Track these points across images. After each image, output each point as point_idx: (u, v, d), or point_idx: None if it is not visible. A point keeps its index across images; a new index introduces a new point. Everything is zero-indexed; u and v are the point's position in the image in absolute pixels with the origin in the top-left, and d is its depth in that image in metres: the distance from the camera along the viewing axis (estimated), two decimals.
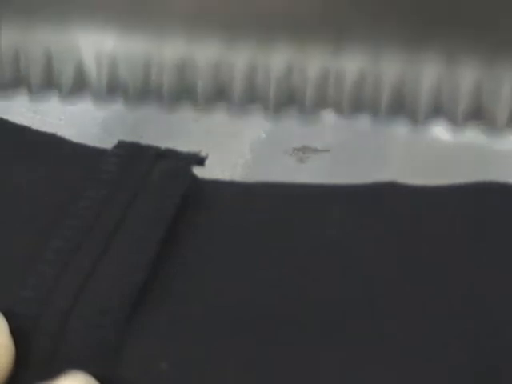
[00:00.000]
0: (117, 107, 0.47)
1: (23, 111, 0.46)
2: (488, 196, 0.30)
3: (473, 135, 0.28)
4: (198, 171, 0.43)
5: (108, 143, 0.47)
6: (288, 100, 0.29)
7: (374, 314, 0.27)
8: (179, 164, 0.32)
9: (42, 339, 0.26)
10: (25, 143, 0.34)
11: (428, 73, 0.28)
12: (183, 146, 0.46)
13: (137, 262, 0.28)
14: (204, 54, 0.29)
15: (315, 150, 0.44)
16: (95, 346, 0.26)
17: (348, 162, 0.43)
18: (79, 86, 0.31)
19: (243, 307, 0.28)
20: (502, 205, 0.30)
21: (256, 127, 0.45)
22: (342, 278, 0.29)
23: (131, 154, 0.32)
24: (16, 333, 0.26)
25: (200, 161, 0.32)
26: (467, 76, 0.28)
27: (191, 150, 0.45)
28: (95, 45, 0.31)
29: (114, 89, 0.31)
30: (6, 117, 0.47)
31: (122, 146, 0.33)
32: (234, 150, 0.44)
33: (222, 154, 0.43)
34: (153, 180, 0.31)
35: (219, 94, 0.30)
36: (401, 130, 0.46)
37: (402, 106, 0.29)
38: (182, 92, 0.30)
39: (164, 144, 0.47)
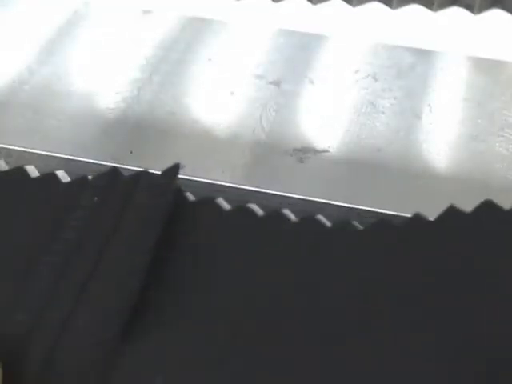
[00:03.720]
0: (117, 107, 0.48)
1: (23, 112, 0.46)
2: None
3: None
4: (199, 172, 0.43)
5: (108, 143, 0.47)
6: None
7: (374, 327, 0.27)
8: (161, 181, 0.32)
9: (32, 363, 0.26)
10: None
11: None
12: (183, 145, 0.47)
13: (128, 284, 0.28)
14: None
15: (315, 151, 0.44)
16: (85, 371, 0.26)
17: (348, 162, 0.43)
18: None
19: (240, 322, 0.28)
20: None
21: (256, 128, 0.45)
22: (341, 290, 0.29)
23: (109, 181, 0.32)
24: (6, 355, 0.26)
25: (175, 170, 0.32)
26: None
27: (191, 150, 0.45)
28: None
29: None
30: (6, 117, 0.47)
31: (99, 176, 0.32)
32: (233, 150, 0.44)
33: (222, 155, 0.43)
34: (137, 198, 0.31)
35: None
36: (399, 125, 0.46)
37: None
38: None
39: (164, 144, 0.47)
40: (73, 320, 0.27)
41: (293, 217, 0.32)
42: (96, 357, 0.27)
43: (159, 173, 0.32)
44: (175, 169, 0.32)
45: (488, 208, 0.30)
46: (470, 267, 0.29)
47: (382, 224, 0.31)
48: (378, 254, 0.30)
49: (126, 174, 0.40)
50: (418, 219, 0.31)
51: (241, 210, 0.32)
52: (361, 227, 0.31)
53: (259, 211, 0.32)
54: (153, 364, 0.27)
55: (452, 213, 0.30)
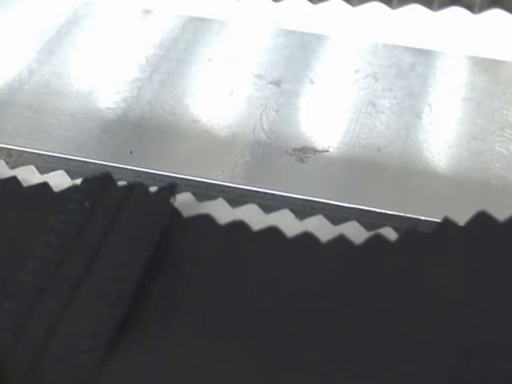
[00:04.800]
0: (117, 107, 0.48)
1: (23, 111, 0.46)
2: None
3: None
4: (199, 172, 0.44)
5: (108, 143, 0.47)
6: None
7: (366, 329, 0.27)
8: (156, 199, 0.31)
9: (16, 374, 0.26)
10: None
11: None
12: (183, 145, 0.47)
13: (114, 296, 0.27)
14: None
15: (315, 150, 0.44)
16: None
17: (348, 161, 0.43)
18: None
19: (239, 340, 0.27)
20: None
21: (256, 127, 0.45)
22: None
23: (101, 188, 0.31)
24: None
25: (172, 189, 0.31)
26: None
27: (191, 149, 0.45)
28: None
29: None
30: (6, 117, 0.47)
31: (90, 181, 0.32)
32: (233, 150, 0.44)
33: (222, 154, 0.43)
34: (129, 213, 0.30)
35: None
36: (400, 125, 0.46)
37: None
38: None
39: (164, 144, 0.47)
40: (58, 329, 0.27)
41: (289, 233, 0.31)
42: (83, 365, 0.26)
43: (155, 188, 0.31)
44: (172, 188, 0.32)
45: None
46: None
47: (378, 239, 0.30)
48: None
49: (126, 174, 0.41)
50: (447, 225, 0.30)
51: (236, 226, 0.31)
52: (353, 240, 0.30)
53: (255, 225, 0.31)
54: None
55: (483, 219, 0.29)
